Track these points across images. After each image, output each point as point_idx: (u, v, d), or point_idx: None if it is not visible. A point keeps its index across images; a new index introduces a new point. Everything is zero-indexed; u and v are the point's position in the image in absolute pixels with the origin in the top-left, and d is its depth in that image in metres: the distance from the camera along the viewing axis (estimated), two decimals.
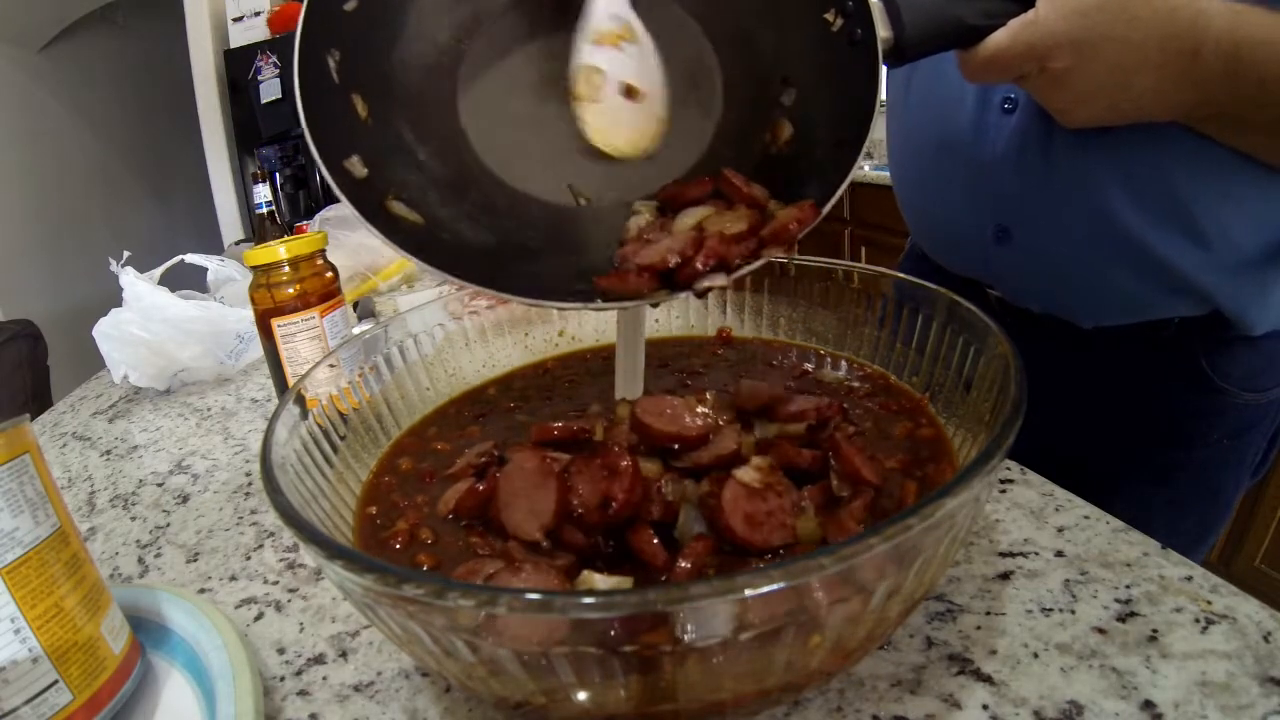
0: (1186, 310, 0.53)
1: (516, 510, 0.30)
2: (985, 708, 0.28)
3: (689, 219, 0.35)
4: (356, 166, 0.34)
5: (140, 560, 0.47)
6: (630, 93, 0.37)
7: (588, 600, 0.20)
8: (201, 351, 0.80)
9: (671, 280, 0.34)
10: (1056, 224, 0.54)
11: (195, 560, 0.46)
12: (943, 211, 0.63)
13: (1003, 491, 0.41)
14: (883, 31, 0.36)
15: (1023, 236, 0.56)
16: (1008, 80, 0.40)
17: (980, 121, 0.55)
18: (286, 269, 0.57)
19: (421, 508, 0.35)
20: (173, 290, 0.82)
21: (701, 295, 0.34)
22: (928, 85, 0.61)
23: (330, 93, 0.33)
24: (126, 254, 0.81)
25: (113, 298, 0.81)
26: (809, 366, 0.45)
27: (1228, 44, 0.38)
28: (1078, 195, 0.52)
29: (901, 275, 0.41)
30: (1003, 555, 0.36)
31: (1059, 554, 0.35)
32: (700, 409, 0.33)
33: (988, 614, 0.32)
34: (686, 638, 0.21)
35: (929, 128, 0.61)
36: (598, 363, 0.49)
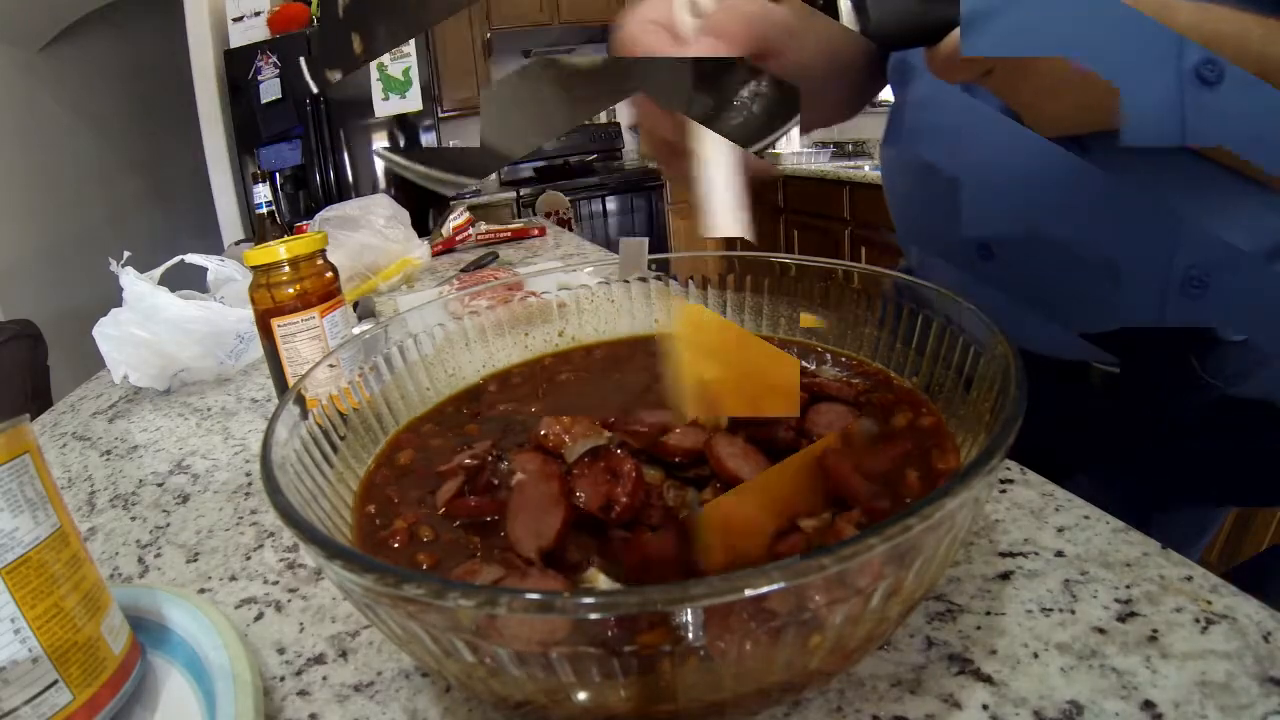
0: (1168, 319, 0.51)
1: (520, 524, 0.30)
2: (985, 708, 0.28)
3: None
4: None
5: (140, 560, 0.47)
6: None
7: (588, 600, 0.20)
8: (201, 351, 0.80)
9: None
10: (1037, 241, 0.51)
11: (195, 560, 0.46)
12: (929, 228, 0.60)
13: (1003, 491, 0.41)
14: (850, 27, 0.36)
15: (1004, 253, 0.52)
16: (973, 77, 0.38)
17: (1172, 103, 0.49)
18: (286, 269, 0.57)
19: (418, 505, 0.35)
20: (173, 290, 0.82)
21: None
22: (918, 105, 0.57)
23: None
24: (126, 254, 0.81)
25: (113, 298, 0.81)
26: (808, 365, 0.45)
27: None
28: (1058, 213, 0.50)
29: (901, 275, 0.41)
30: (1003, 555, 0.36)
31: (1059, 554, 0.35)
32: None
33: (988, 614, 0.32)
34: (687, 638, 0.21)
35: (917, 147, 0.57)
36: (596, 358, 0.49)
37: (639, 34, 0.36)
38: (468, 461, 0.35)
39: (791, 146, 3.61)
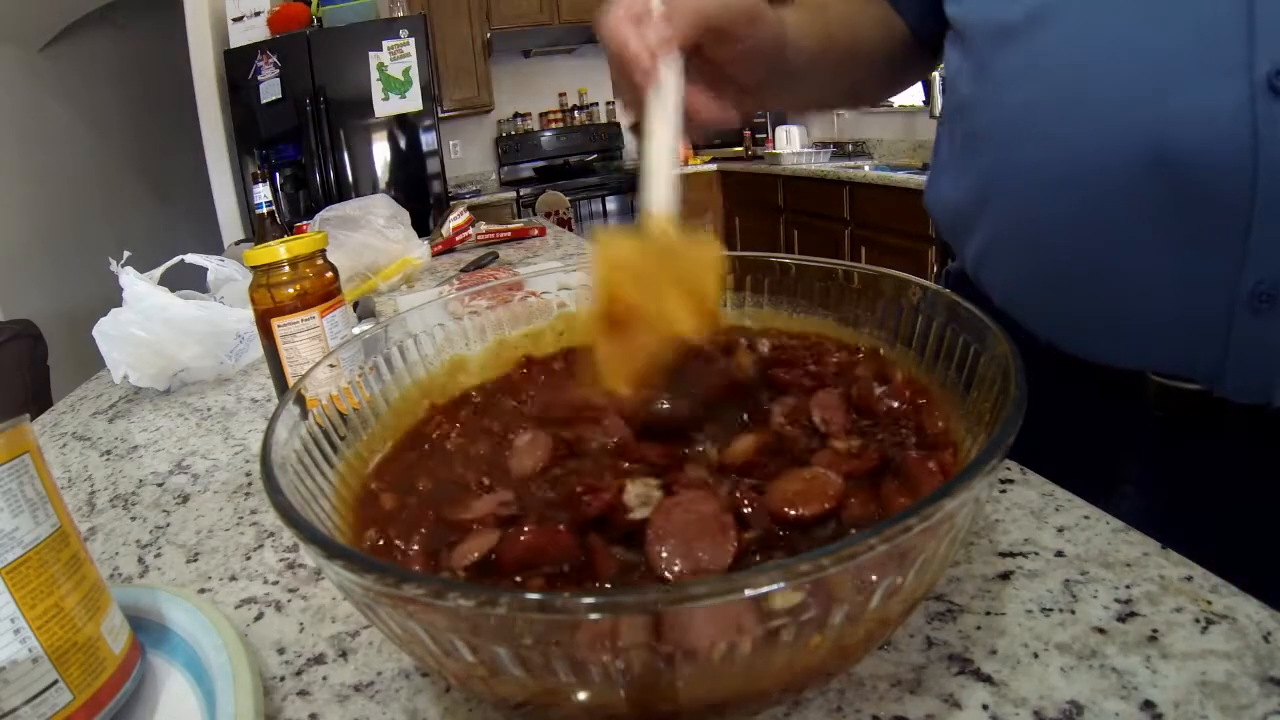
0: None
1: (672, 551, 0.27)
2: (985, 708, 0.28)
3: None
4: None
5: (140, 560, 0.47)
6: None
7: (589, 600, 0.20)
8: (201, 351, 0.80)
9: None
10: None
11: (195, 560, 0.46)
12: (1141, 278, 0.41)
13: (1003, 491, 0.41)
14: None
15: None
16: None
17: (1242, 114, 0.35)
18: (286, 269, 0.57)
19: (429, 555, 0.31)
20: (173, 290, 0.82)
21: None
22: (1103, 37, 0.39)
23: None
24: (126, 254, 0.81)
25: (113, 298, 0.81)
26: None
27: None
28: None
29: (900, 274, 0.40)
30: (1003, 555, 0.36)
31: (1059, 554, 0.35)
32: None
33: (988, 614, 0.32)
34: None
35: (1117, 131, 0.39)
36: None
37: (611, 20, 0.39)
38: (498, 511, 0.30)
39: (792, 146, 3.62)
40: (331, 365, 0.39)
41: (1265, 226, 0.36)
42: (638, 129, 0.41)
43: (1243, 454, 0.43)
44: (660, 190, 0.39)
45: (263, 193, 1.32)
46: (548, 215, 3.26)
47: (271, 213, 1.33)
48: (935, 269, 2.56)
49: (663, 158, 0.39)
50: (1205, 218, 0.37)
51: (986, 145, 0.47)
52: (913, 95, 3.07)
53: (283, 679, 0.34)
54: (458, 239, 1.51)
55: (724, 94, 0.43)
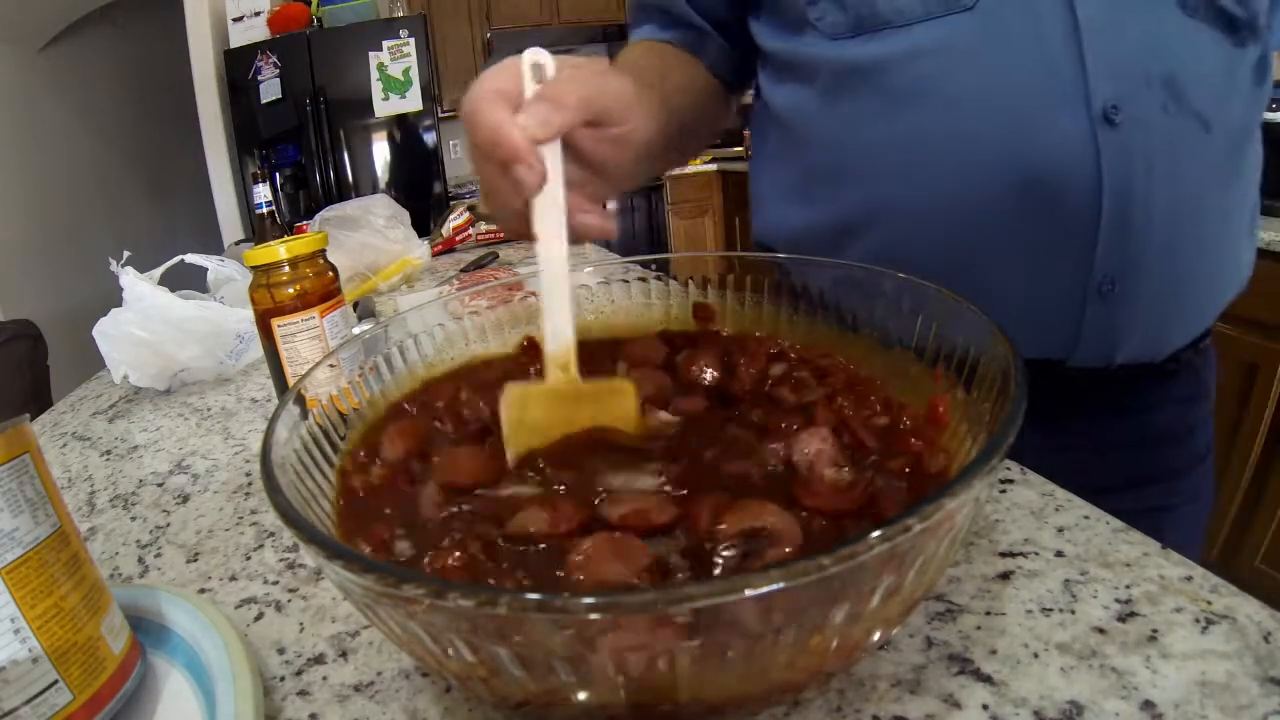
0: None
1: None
2: (985, 708, 0.28)
3: None
4: None
5: (140, 560, 0.47)
6: None
7: (588, 600, 0.20)
8: (201, 351, 0.80)
9: None
10: (1168, 262, 0.47)
11: (195, 560, 0.46)
12: (1007, 283, 0.48)
13: (1003, 491, 0.41)
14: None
15: (1131, 286, 0.47)
16: None
17: (1088, 142, 0.43)
18: (286, 269, 0.57)
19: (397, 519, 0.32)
20: (173, 290, 0.82)
21: None
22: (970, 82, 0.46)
23: None
24: (126, 254, 0.81)
25: (113, 298, 0.81)
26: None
27: None
28: (1196, 230, 0.47)
29: (901, 274, 0.40)
30: (1003, 555, 0.36)
31: (1059, 554, 0.35)
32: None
33: (988, 614, 0.32)
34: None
35: (987, 163, 0.46)
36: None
37: (482, 105, 0.35)
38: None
39: None
40: (331, 365, 0.39)
41: (1109, 232, 0.45)
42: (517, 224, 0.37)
43: (1092, 401, 0.52)
44: (560, 318, 0.35)
45: (263, 193, 1.32)
46: None
47: (271, 213, 1.33)
48: None
49: (558, 275, 0.35)
50: (1063, 229, 0.45)
51: (850, 179, 0.50)
52: None
53: (283, 679, 0.34)
54: (458, 239, 1.51)
55: (589, 189, 0.41)
